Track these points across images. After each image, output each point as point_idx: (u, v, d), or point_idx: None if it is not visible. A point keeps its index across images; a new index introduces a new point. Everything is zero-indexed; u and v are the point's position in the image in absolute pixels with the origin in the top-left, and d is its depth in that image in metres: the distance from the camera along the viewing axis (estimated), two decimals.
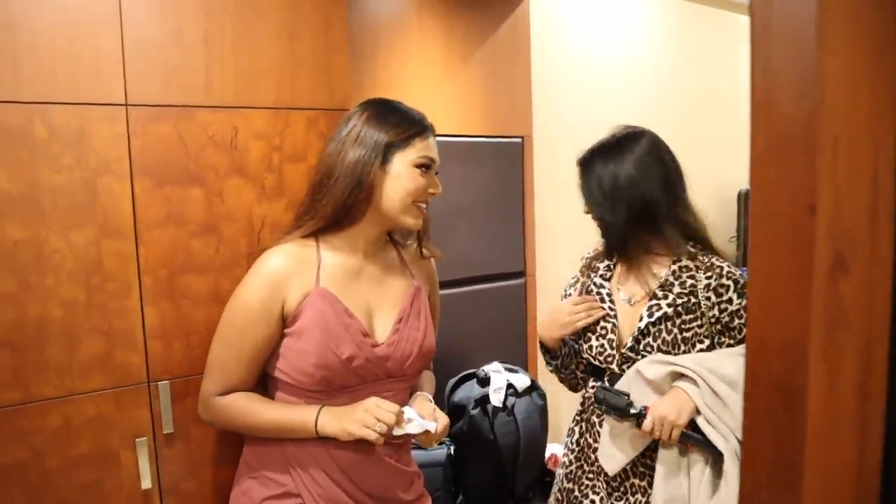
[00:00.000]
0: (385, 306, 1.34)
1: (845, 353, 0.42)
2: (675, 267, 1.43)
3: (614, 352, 1.46)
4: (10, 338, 1.18)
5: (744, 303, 1.38)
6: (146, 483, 1.31)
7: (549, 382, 2.76)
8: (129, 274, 1.29)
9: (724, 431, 1.27)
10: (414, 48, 2.16)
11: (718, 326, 1.40)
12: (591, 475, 1.51)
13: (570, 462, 1.58)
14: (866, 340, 0.43)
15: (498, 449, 2.03)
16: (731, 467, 1.24)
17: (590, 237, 2.93)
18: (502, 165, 2.49)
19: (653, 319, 1.41)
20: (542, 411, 2.13)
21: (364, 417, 1.18)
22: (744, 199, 3.23)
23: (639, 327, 1.43)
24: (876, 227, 0.42)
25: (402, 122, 1.27)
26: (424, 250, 1.44)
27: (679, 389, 1.32)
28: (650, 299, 1.43)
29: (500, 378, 2.11)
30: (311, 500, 1.26)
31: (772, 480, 0.43)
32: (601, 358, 1.47)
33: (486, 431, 2.03)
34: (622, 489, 1.45)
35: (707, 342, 1.40)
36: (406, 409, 1.26)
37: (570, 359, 1.59)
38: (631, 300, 1.48)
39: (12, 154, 1.17)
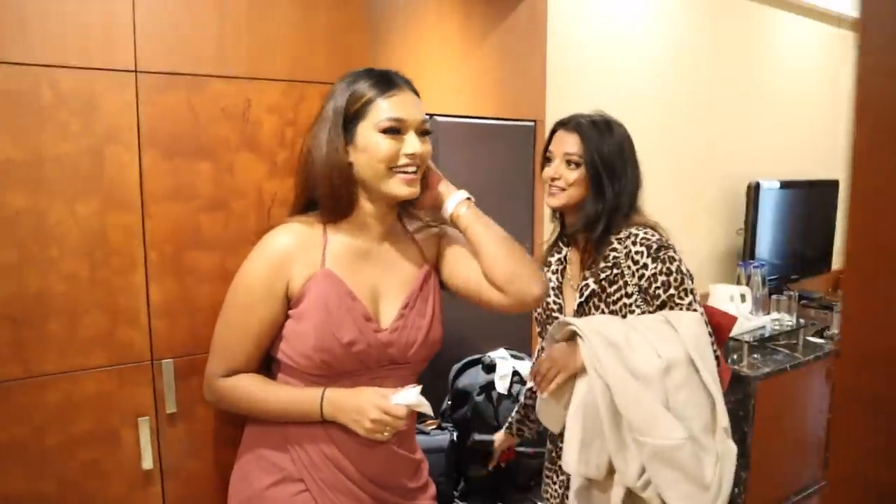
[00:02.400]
0: (392, 291, 1.29)
1: None
2: (597, 243, 1.48)
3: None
4: (9, 311, 1.14)
5: (659, 267, 1.40)
6: (147, 463, 1.28)
7: None
8: (135, 248, 1.25)
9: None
10: (431, 28, 2.10)
11: (641, 293, 1.43)
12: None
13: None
14: None
15: None
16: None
17: None
18: (513, 149, 2.44)
19: (583, 298, 1.47)
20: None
21: (374, 428, 1.17)
22: (753, 191, 3.19)
23: (574, 309, 1.50)
24: None
25: (360, 88, 1.19)
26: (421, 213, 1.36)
27: (575, 345, 1.39)
28: (581, 280, 1.50)
29: (505, 365, 2.08)
30: (314, 486, 1.23)
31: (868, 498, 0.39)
32: None
33: (490, 418, 2.00)
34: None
35: (637, 311, 1.43)
36: (411, 393, 1.21)
37: None
38: (575, 286, 1.54)
39: (17, 119, 1.12)
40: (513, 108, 2.39)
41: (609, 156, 1.47)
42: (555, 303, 1.58)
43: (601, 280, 1.45)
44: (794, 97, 3.87)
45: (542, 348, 1.62)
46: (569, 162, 1.48)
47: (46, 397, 1.19)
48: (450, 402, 2.13)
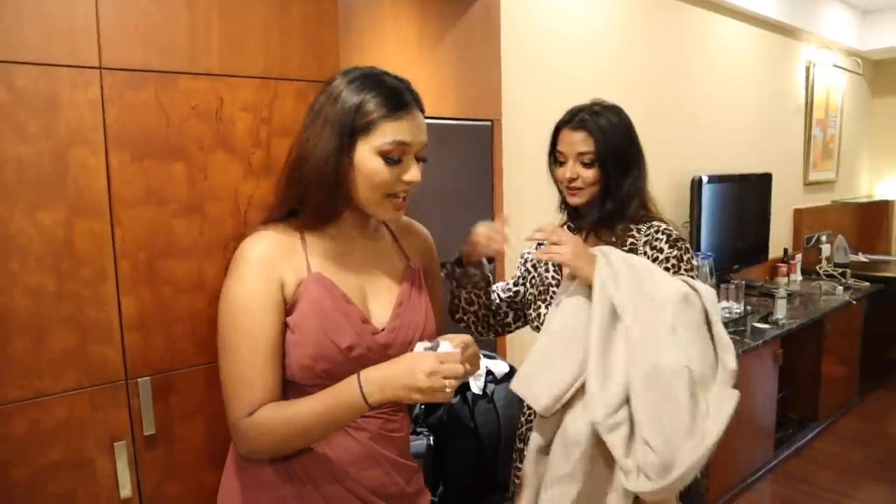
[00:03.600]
0: (381, 290, 1.24)
1: None
2: (617, 230, 1.49)
3: None
4: None
5: (674, 253, 1.43)
6: (125, 491, 1.18)
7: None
8: (104, 258, 1.15)
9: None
10: (388, 28, 2.07)
11: None
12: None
13: (521, 424, 1.74)
14: None
15: (479, 437, 1.97)
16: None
17: (557, 223, 2.92)
18: (472, 149, 2.44)
19: None
20: (521, 398, 2.09)
21: (433, 383, 1.02)
22: (696, 186, 3.30)
23: None
24: None
25: (370, 102, 1.09)
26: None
27: (594, 254, 1.35)
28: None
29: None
30: (313, 502, 1.16)
31: None
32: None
33: (467, 420, 1.97)
34: None
35: None
36: (442, 344, 1.12)
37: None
38: None
39: None
40: (470, 107, 2.38)
41: (621, 146, 1.48)
42: (553, 277, 1.58)
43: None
44: (730, 96, 4.04)
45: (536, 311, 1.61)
46: (583, 161, 1.47)
47: (12, 428, 1.08)
48: (423, 407, 2.09)
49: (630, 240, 1.49)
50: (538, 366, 1.35)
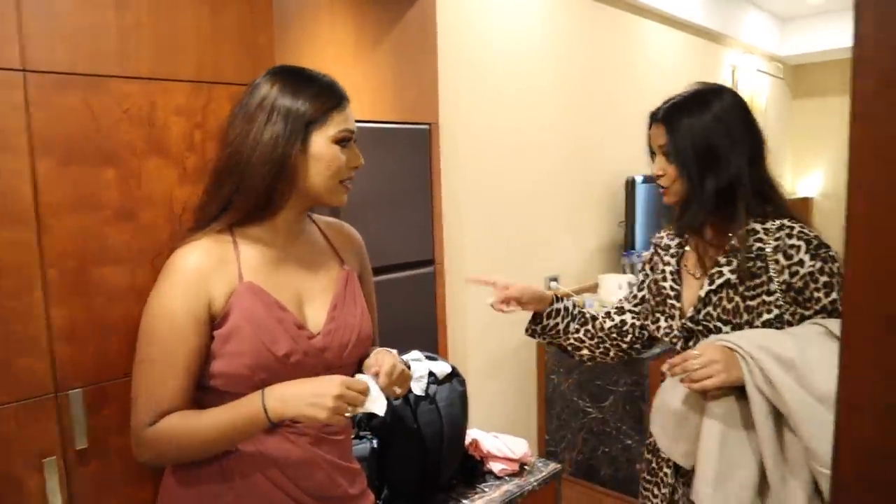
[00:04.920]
0: (316, 294, 1.25)
1: None
2: (741, 231, 1.30)
3: (678, 331, 1.40)
4: None
5: (819, 266, 1.24)
6: None
7: (468, 369, 2.78)
8: (31, 267, 1.11)
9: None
10: (325, 31, 2.06)
11: (792, 294, 1.27)
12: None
13: (650, 434, 1.55)
14: None
15: (422, 438, 1.99)
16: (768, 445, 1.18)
17: (495, 226, 2.98)
18: (411, 152, 2.45)
19: (713, 287, 1.31)
20: (463, 397, 2.12)
21: (338, 406, 1.05)
22: (629, 186, 3.41)
23: (699, 296, 1.34)
24: None
25: (319, 94, 1.16)
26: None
27: (734, 353, 1.20)
28: (713, 267, 1.34)
29: (420, 366, 2.07)
30: None
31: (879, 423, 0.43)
32: (668, 339, 1.43)
33: (410, 421, 1.98)
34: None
35: (776, 311, 1.27)
36: (365, 378, 1.14)
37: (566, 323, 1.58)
38: (698, 275, 1.41)
39: None
40: (408, 111, 2.39)
41: (703, 138, 1.30)
42: (672, 288, 1.43)
43: (741, 271, 1.28)
44: (661, 99, 4.17)
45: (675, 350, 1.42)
46: (666, 155, 1.35)
47: None
48: None
49: (757, 244, 1.29)
50: (722, 473, 1.23)
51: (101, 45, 1.16)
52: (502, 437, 2.15)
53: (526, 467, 2.07)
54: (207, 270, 1.12)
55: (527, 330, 1.64)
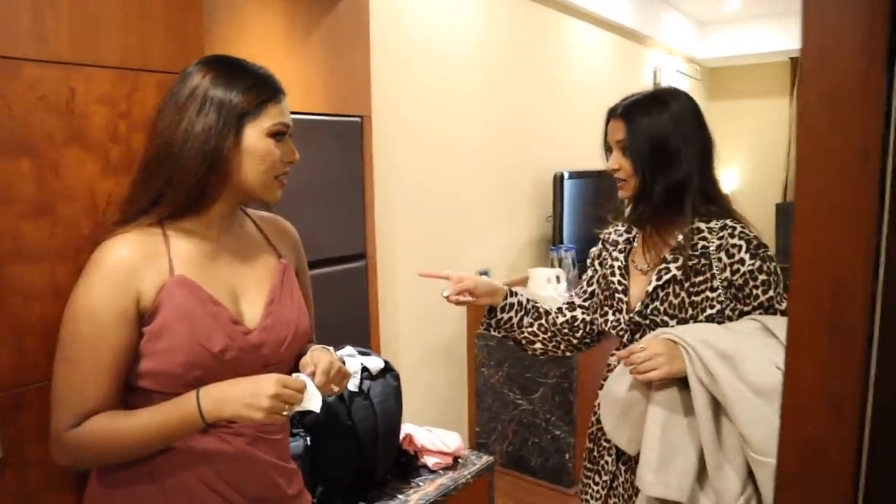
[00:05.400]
0: (251, 288, 1.21)
1: None
2: (686, 230, 1.36)
3: (625, 325, 1.44)
4: None
5: (758, 264, 1.31)
6: None
7: (401, 363, 2.77)
8: None
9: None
10: (255, 22, 2.00)
11: (732, 290, 1.33)
12: (607, 437, 1.50)
13: (592, 423, 1.60)
14: None
15: (356, 434, 1.97)
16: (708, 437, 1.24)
17: (426, 220, 2.98)
18: (342, 145, 2.41)
19: (661, 283, 1.37)
20: (397, 392, 2.11)
21: (275, 406, 1.03)
22: (558, 181, 3.48)
23: (647, 291, 1.39)
24: None
25: (254, 86, 1.12)
26: None
27: (679, 347, 1.26)
28: (660, 263, 1.40)
29: (354, 362, 2.05)
30: None
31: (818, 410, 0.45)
32: (615, 331, 1.47)
33: (344, 418, 1.96)
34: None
35: (718, 307, 1.34)
36: (302, 377, 1.12)
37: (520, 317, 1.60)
38: (645, 269, 1.46)
39: None
40: (340, 103, 2.36)
41: (659, 137, 1.35)
42: (619, 283, 1.48)
43: (686, 267, 1.35)
44: (587, 97, 4.28)
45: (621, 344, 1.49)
46: (623, 150, 1.39)
47: None
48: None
49: (701, 242, 1.36)
50: (664, 459, 1.28)
51: (12, 24, 1.08)
52: (436, 430, 2.16)
53: (459, 460, 2.09)
54: (136, 264, 1.07)
55: (482, 324, 1.66)
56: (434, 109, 2.90)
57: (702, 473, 1.27)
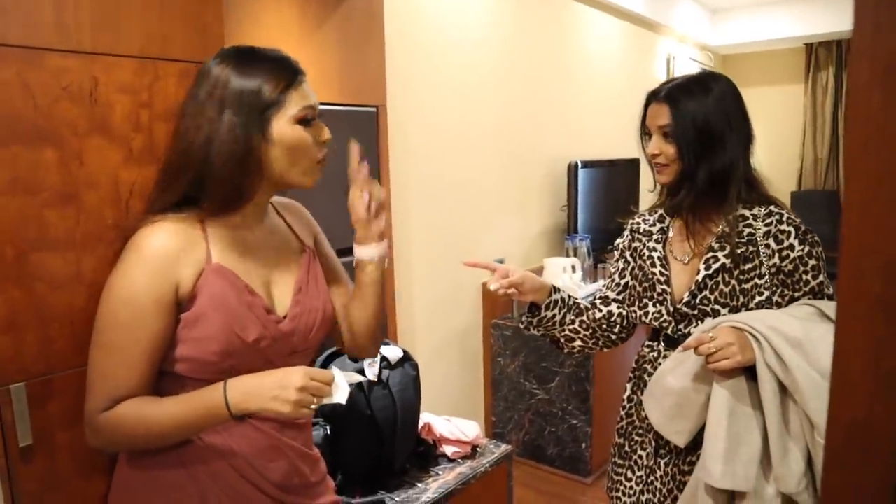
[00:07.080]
0: (282, 277, 1.22)
1: None
2: (730, 217, 1.35)
3: (669, 316, 1.42)
4: None
5: (808, 250, 1.31)
6: None
7: (417, 353, 2.78)
8: None
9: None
10: (270, 11, 2.00)
11: (781, 276, 1.33)
12: (640, 431, 1.49)
13: (622, 418, 1.56)
14: None
15: (375, 424, 1.98)
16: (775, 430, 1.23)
17: (442, 210, 2.98)
18: (357, 136, 2.39)
19: (710, 272, 1.35)
20: (416, 382, 2.12)
21: (302, 398, 1.03)
22: (572, 170, 3.46)
23: (696, 280, 1.36)
24: None
25: (272, 75, 1.09)
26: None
27: (748, 335, 1.24)
28: (706, 252, 1.37)
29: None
30: (216, 502, 1.12)
31: (869, 398, 0.45)
32: (657, 323, 1.44)
33: (363, 407, 1.97)
34: (669, 445, 1.42)
35: (766, 294, 1.33)
36: (333, 370, 1.11)
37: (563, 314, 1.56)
38: (686, 259, 1.43)
39: None
40: (355, 93, 2.35)
41: (705, 121, 1.33)
42: (661, 273, 1.44)
43: (735, 255, 1.33)
44: (601, 86, 4.26)
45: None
46: (665, 135, 1.36)
47: None
48: None
49: (747, 230, 1.35)
50: (731, 449, 1.26)
51: (35, 14, 1.08)
52: (454, 420, 2.16)
53: (478, 449, 2.09)
54: (175, 252, 1.07)
55: (521, 323, 1.61)
56: (448, 99, 2.89)
57: (764, 462, 1.26)
